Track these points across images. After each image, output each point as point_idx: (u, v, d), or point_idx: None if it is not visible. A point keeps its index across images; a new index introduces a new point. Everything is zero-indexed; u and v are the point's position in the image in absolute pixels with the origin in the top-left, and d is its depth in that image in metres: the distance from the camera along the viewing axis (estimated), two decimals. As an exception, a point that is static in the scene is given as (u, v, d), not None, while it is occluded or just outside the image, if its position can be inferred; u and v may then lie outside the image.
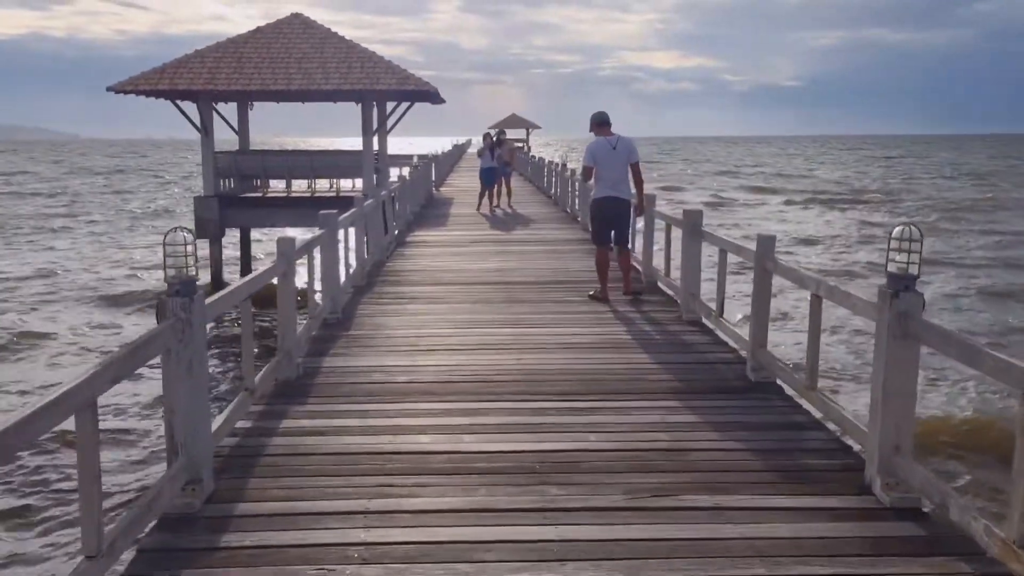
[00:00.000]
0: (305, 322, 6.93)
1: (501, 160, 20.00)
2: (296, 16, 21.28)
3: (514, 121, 71.53)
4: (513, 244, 13.86)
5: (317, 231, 7.72)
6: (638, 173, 9.01)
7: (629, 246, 9.48)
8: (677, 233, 8.97)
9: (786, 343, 12.03)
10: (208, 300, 4.14)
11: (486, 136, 20.71)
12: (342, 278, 8.57)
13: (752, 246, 6.37)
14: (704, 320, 7.83)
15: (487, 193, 19.77)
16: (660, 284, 9.69)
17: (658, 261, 10.09)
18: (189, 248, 3.88)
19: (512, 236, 15.11)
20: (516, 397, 5.63)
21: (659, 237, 10.11)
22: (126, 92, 18.95)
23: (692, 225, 8.10)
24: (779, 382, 5.94)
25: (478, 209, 19.44)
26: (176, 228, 3.90)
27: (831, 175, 66.30)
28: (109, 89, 18.99)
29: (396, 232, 14.45)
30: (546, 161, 27.47)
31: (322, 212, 7.81)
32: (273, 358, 5.91)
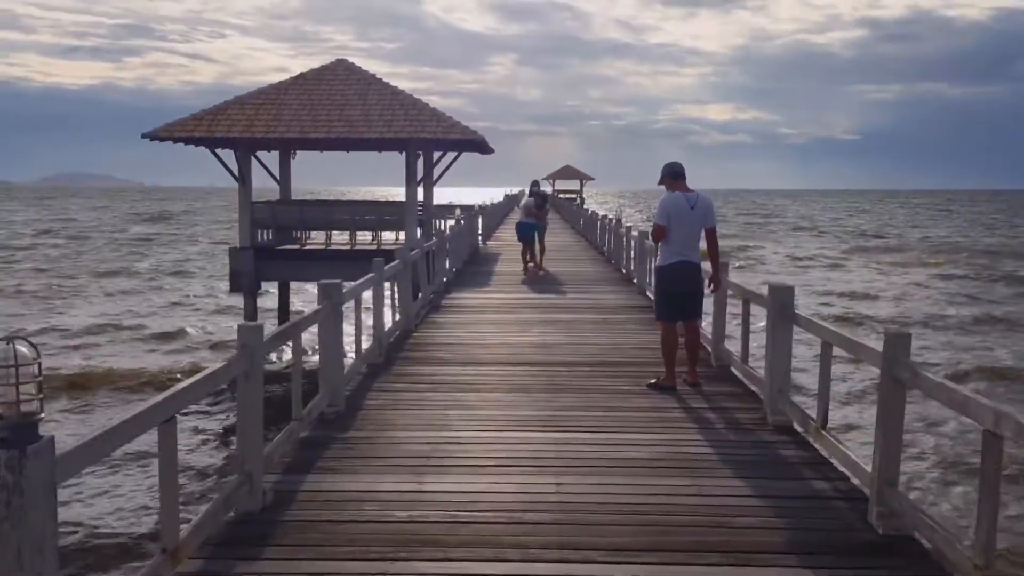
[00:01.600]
0: (288, 426, 5.47)
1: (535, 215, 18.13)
2: (340, 62, 20.40)
3: (568, 172, 70.80)
4: (560, 311, 12.26)
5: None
6: (714, 239, 7.44)
7: (699, 320, 7.90)
8: (756, 309, 7.38)
9: (909, 470, 9.45)
10: (63, 451, 2.64)
11: (532, 191, 18.77)
12: (349, 359, 7.12)
13: (871, 338, 4.77)
14: (797, 427, 6.17)
15: (527, 251, 17.75)
16: (734, 370, 8.04)
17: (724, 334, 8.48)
18: (26, 369, 2.46)
19: (559, 301, 13.47)
20: (553, 555, 4.05)
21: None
22: (162, 139, 18.17)
23: (781, 304, 6.46)
24: (917, 536, 4.27)
25: (524, 271, 17.59)
26: (8, 339, 2.48)
27: (914, 232, 62.68)
28: (144, 136, 18.21)
29: (432, 295, 13.04)
30: (599, 215, 25.98)
31: (322, 282, 6.38)
32: (229, 482, 4.45)
